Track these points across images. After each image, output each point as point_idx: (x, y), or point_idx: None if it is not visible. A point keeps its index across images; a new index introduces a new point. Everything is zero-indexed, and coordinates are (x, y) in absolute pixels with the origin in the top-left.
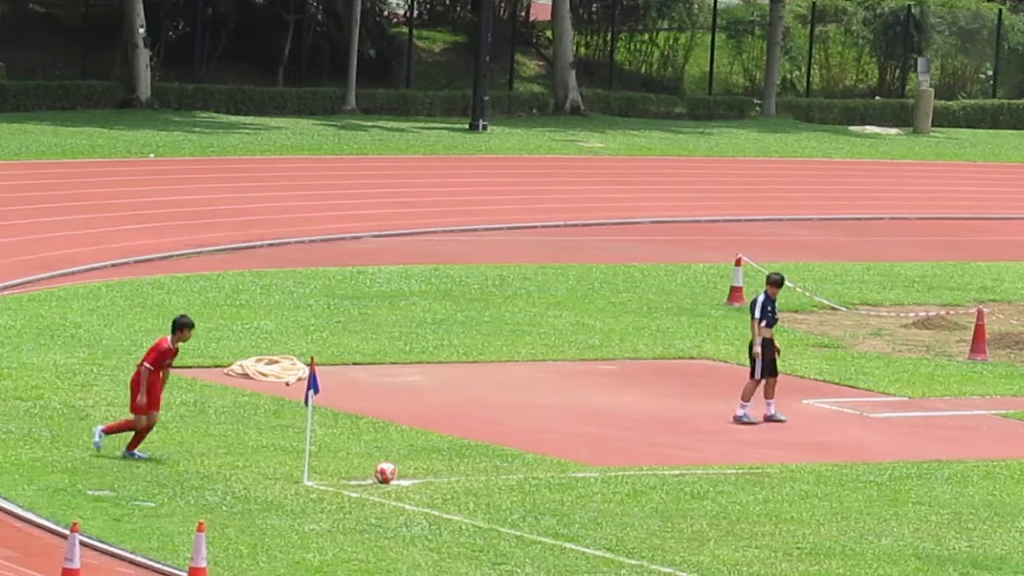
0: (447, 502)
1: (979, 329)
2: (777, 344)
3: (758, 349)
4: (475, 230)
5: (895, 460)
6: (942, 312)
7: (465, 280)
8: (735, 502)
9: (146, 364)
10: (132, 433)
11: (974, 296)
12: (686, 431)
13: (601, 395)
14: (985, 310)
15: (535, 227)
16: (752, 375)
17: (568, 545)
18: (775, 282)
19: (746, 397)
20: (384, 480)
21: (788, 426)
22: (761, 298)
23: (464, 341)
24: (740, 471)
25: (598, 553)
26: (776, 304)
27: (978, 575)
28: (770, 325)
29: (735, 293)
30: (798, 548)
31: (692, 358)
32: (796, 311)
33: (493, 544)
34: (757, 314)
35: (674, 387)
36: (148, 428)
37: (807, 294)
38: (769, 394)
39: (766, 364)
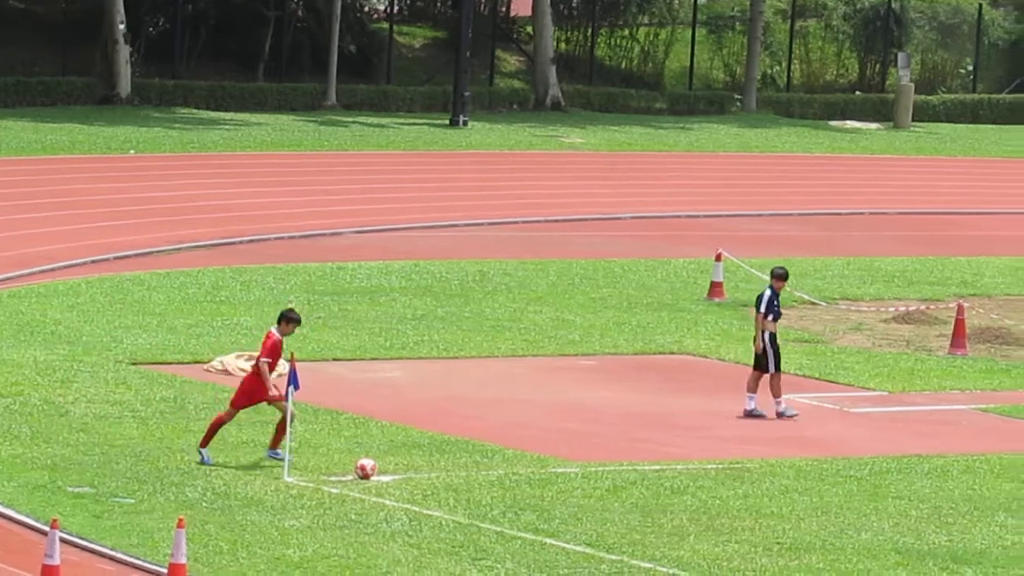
0: (427, 498)
1: (959, 324)
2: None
3: (761, 344)
4: (455, 226)
5: (875, 455)
6: (922, 307)
7: (445, 276)
8: (715, 497)
9: (263, 359)
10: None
11: (954, 291)
12: (666, 426)
13: (581, 390)
14: (965, 305)
15: (515, 223)
16: (767, 369)
17: (548, 540)
18: (780, 276)
19: (777, 393)
20: (364, 476)
21: (768, 421)
22: (768, 293)
23: (444, 337)
24: (720, 466)
25: (578, 548)
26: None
27: (958, 569)
28: (775, 319)
29: (715, 288)
30: (778, 543)
31: (672, 353)
32: None
33: (473, 539)
34: (763, 309)
35: (654, 382)
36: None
37: (787, 289)
38: (753, 388)
39: (776, 357)
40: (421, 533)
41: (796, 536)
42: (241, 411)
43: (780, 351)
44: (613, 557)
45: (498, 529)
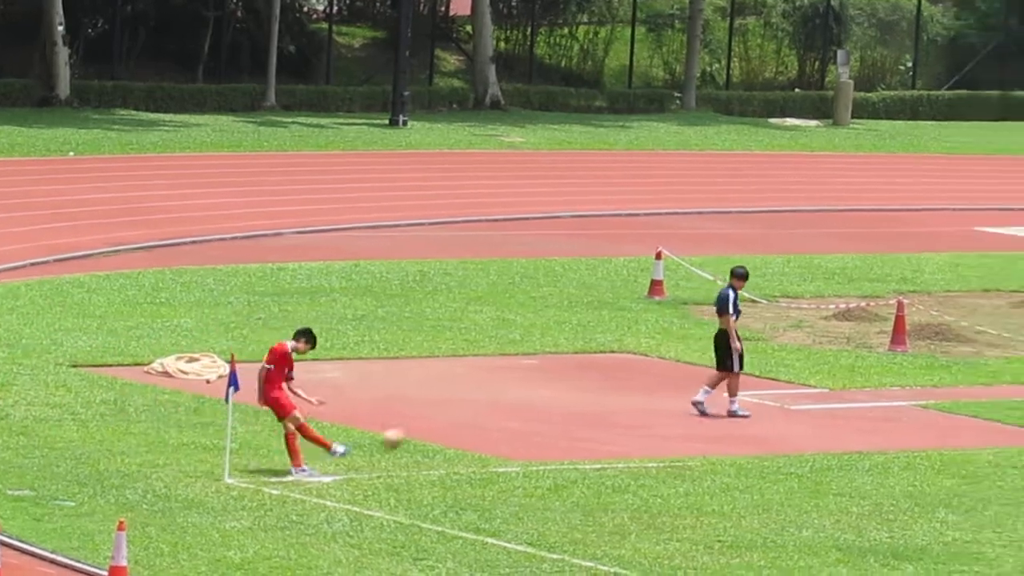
0: (368, 498)
1: (899, 320)
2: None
3: (738, 344)
4: (396, 226)
5: (816, 452)
6: (862, 303)
7: (386, 276)
8: (656, 495)
9: (265, 364)
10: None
11: (894, 287)
12: (607, 425)
13: (522, 390)
14: (905, 301)
15: (455, 222)
16: (732, 369)
17: (489, 540)
18: (741, 275)
19: (734, 392)
20: (392, 445)
21: (709, 419)
22: (732, 294)
23: (385, 337)
24: (661, 464)
25: (519, 548)
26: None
27: (899, 566)
28: (736, 318)
29: (655, 287)
30: (719, 541)
31: (613, 352)
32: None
33: (414, 540)
34: (731, 310)
35: (595, 381)
36: (292, 437)
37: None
38: (714, 384)
39: (740, 357)
40: (362, 534)
41: (737, 534)
42: (293, 416)
43: (743, 350)
44: (554, 556)
45: (439, 529)
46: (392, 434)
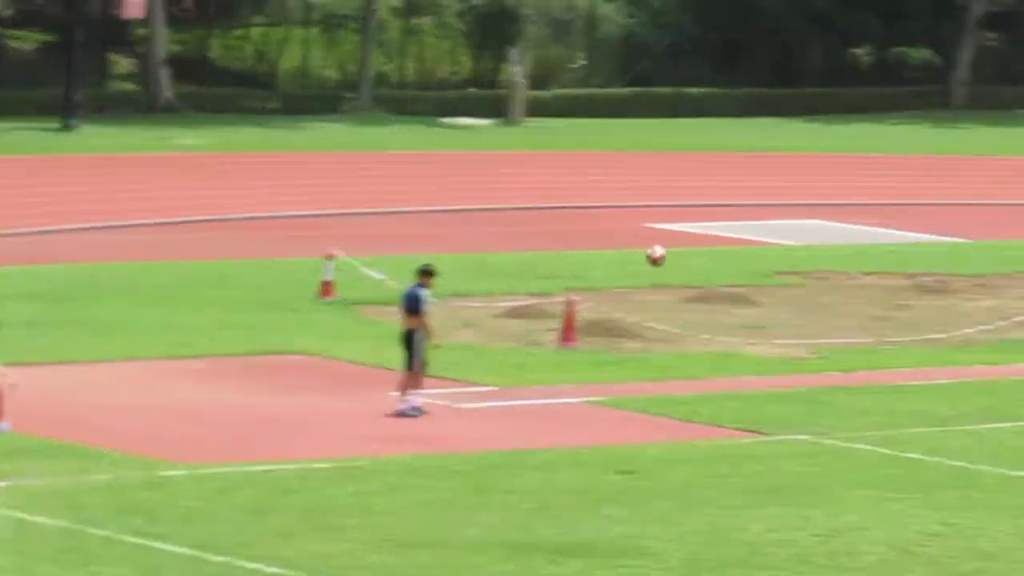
0: (33, 504)
1: (569, 317)
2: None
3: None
4: (65, 230)
5: (484, 450)
6: (533, 301)
7: (54, 280)
8: (325, 496)
9: None
10: None
11: (565, 285)
12: (276, 426)
13: (191, 392)
14: (575, 298)
15: (126, 226)
16: (417, 367)
17: (155, 544)
18: (430, 273)
19: (406, 390)
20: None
21: (378, 419)
22: (424, 292)
23: (53, 341)
24: (330, 465)
25: (185, 551)
26: None
27: (565, 562)
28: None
29: (326, 287)
30: (387, 540)
31: (283, 353)
32: (387, 304)
33: (80, 545)
34: (427, 308)
35: (265, 382)
36: None
37: (401, 286)
38: (414, 386)
39: (420, 355)
40: (26, 540)
41: (405, 533)
42: None
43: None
44: (219, 559)
45: (104, 534)
46: (659, 251)
